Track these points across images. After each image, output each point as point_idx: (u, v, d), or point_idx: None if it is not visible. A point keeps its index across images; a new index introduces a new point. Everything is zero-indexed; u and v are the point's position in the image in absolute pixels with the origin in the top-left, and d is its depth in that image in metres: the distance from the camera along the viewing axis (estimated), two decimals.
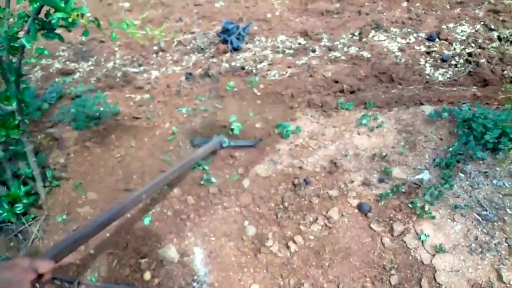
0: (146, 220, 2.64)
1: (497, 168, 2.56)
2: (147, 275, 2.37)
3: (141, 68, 4.50)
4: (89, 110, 3.38)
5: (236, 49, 4.55)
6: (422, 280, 2.14)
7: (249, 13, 5.46)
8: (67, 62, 4.85)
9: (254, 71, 4.20)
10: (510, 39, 4.23)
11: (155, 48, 4.84)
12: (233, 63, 4.37)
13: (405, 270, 2.21)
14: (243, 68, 4.27)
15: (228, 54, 4.54)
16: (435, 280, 2.13)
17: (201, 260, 2.39)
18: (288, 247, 2.39)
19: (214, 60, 4.48)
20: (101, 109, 3.50)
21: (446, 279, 2.13)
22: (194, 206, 2.71)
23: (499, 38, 4.29)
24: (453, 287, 2.10)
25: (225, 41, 4.61)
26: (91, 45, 5.20)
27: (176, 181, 2.84)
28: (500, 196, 2.41)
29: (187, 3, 5.87)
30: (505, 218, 2.28)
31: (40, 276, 1.31)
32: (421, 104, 3.29)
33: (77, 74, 4.58)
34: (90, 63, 4.81)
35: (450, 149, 2.74)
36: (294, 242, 2.41)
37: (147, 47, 4.86)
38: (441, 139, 2.89)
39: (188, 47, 4.77)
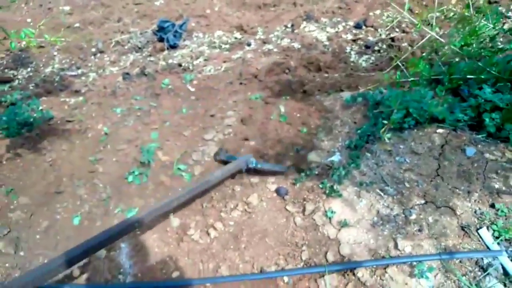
0: (76, 220, 2.74)
1: (401, 146, 2.78)
2: (76, 272, 2.47)
3: (79, 71, 4.53)
4: (21, 117, 3.41)
5: (173, 47, 4.64)
6: (328, 253, 2.33)
7: (189, 9, 5.54)
8: (6, 70, 4.81)
9: (190, 67, 4.31)
10: (431, 23, 4.48)
11: (93, 50, 4.86)
12: (170, 61, 4.46)
13: (314, 245, 2.40)
14: (180, 65, 4.37)
15: (165, 52, 4.62)
16: (339, 252, 2.33)
17: (126, 254, 2.50)
18: (208, 234, 2.54)
19: (152, 58, 4.55)
20: (34, 115, 3.54)
21: (349, 250, 2.32)
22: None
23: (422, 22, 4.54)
24: (355, 257, 2.30)
25: (161, 39, 4.69)
26: (30, 51, 5.16)
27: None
28: (401, 172, 2.63)
29: (127, 3, 5.88)
30: (403, 191, 2.50)
31: None
32: (341, 90, 3.49)
33: (16, 81, 4.56)
34: (29, 69, 4.79)
35: (359, 131, 2.94)
36: (215, 228, 2.56)
37: (85, 49, 4.88)
38: (355, 122, 3.09)
39: (126, 47, 4.82)
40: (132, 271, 2.42)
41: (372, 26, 4.50)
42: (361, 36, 4.37)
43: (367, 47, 4.18)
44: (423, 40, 2.00)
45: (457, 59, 2.48)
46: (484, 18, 2.01)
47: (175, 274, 2.37)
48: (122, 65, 4.52)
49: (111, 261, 2.50)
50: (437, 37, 1.84)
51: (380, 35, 4.38)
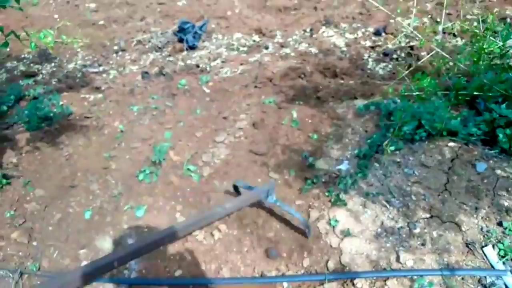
0: (87, 214, 2.83)
1: (410, 158, 2.75)
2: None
3: (101, 68, 4.66)
4: (42, 112, 3.54)
5: (192, 48, 4.71)
6: (329, 261, 2.34)
7: (210, 10, 5.61)
8: (31, 64, 4.98)
9: (208, 68, 4.37)
10: (453, 32, 4.41)
11: (115, 48, 4.98)
12: (188, 61, 4.53)
13: (316, 253, 2.41)
14: (197, 66, 4.43)
15: (184, 53, 4.70)
16: (341, 262, 2.33)
17: None
18: (212, 235, 2.59)
19: (171, 58, 4.64)
20: (54, 110, 3.67)
21: (351, 261, 2.33)
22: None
23: (443, 31, 4.47)
24: (356, 267, 2.30)
25: (181, 40, 4.77)
26: (55, 47, 5.32)
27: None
28: (409, 184, 2.61)
29: (151, 2, 6.00)
30: (409, 204, 2.49)
31: None
32: (355, 98, 3.48)
33: (40, 76, 4.72)
34: (53, 64, 4.94)
35: (369, 140, 2.93)
36: (219, 230, 2.61)
37: (108, 47, 5.01)
38: (366, 131, 3.08)
39: (147, 47, 4.92)
40: (137, 267, 2.49)
41: (392, 34, 4.45)
42: (380, 43, 4.34)
43: (385, 54, 4.14)
44: (428, 56, 1.98)
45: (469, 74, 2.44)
46: (497, 35, 1.97)
47: (177, 273, 2.42)
48: (142, 64, 4.62)
49: None
50: (444, 53, 1.82)
51: (400, 42, 4.34)
